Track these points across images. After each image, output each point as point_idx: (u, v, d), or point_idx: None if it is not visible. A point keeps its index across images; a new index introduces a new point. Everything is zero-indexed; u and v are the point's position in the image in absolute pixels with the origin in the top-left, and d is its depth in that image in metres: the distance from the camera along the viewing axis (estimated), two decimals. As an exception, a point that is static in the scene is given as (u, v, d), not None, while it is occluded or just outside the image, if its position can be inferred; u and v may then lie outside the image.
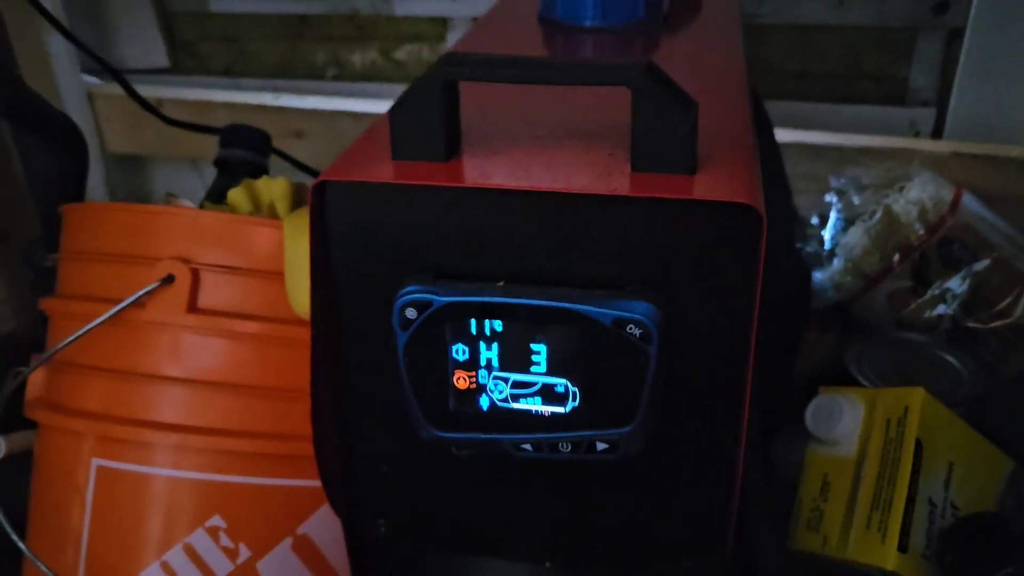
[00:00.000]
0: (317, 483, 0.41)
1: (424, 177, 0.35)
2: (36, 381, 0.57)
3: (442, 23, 1.12)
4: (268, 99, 1.09)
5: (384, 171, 0.36)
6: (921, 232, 0.77)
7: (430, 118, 0.35)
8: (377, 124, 0.40)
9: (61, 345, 0.53)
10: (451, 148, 0.36)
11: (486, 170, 0.36)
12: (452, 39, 1.11)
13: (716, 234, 0.33)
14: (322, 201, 0.36)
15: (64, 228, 0.59)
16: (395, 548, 0.43)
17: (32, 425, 0.58)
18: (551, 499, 0.40)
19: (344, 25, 1.14)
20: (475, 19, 1.08)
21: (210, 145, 0.76)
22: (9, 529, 0.54)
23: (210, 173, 0.76)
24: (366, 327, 0.38)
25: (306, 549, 0.54)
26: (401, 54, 1.14)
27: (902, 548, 0.50)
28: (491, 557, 0.42)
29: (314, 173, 0.87)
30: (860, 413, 0.57)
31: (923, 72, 1.02)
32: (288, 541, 0.54)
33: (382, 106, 1.08)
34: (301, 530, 0.54)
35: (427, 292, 0.35)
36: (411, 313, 0.35)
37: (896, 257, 0.77)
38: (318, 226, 0.36)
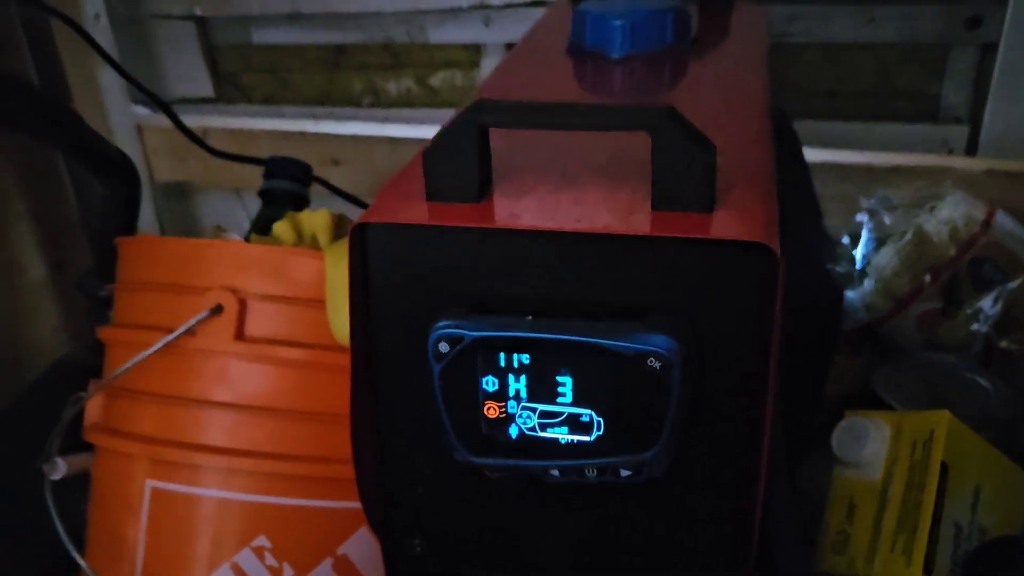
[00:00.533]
0: (357, 505, 0.43)
1: (457, 218, 0.37)
2: (94, 406, 0.61)
3: (476, 50, 1.14)
4: (308, 127, 1.12)
5: (419, 212, 0.38)
6: (952, 252, 0.77)
7: (462, 161, 0.38)
8: (411, 164, 0.42)
9: (118, 372, 0.57)
10: (482, 188, 0.38)
11: (515, 210, 0.38)
12: (486, 65, 1.13)
13: (733, 271, 0.35)
14: (362, 241, 0.38)
15: (119, 260, 0.63)
16: (430, 567, 0.45)
17: (90, 447, 0.61)
18: (579, 519, 0.42)
19: (380, 54, 1.18)
20: (508, 45, 1.10)
21: (254, 173, 0.79)
22: (69, 545, 0.57)
23: (253, 200, 0.79)
24: (402, 357, 0.40)
25: (346, 569, 0.56)
26: (436, 81, 1.17)
27: (927, 571, 0.51)
28: (522, 576, 0.44)
29: (352, 199, 0.90)
30: (886, 436, 0.58)
31: (955, 89, 1.02)
32: (329, 561, 0.56)
33: (417, 131, 1.11)
34: (341, 550, 0.56)
35: (458, 327, 0.37)
36: (444, 347, 0.37)
37: (927, 278, 0.77)
38: (357, 264, 0.39)
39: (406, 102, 1.19)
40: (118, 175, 0.76)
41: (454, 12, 1.10)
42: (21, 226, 0.96)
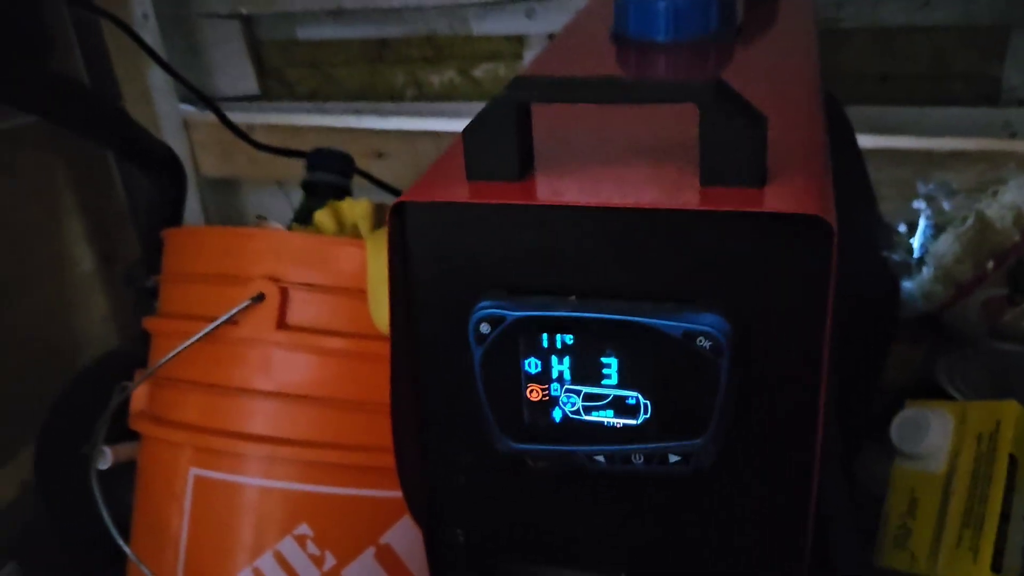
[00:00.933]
0: (399, 494, 0.42)
1: (498, 196, 0.36)
2: (140, 395, 0.61)
3: (518, 41, 1.13)
4: (351, 121, 1.12)
5: (459, 191, 0.37)
6: (1017, 238, 0.74)
7: (503, 139, 0.37)
8: (453, 146, 0.41)
9: (162, 361, 0.57)
10: (524, 167, 0.37)
11: (558, 187, 0.36)
12: (529, 57, 1.12)
13: (786, 246, 0.33)
14: (401, 221, 0.37)
15: (165, 251, 0.63)
16: (473, 557, 0.44)
17: (136, 436, 0.62)
18: (625, 510, 0.40)
19: (422, 46, 1.17)
20: (551, 36, 1.09)
21: (297, 167, 0.79)
22: (115, 533, 0.57)
23: (297, 194, 0.79)
24: (443, 341, 0.39)
25: (388, 557, 0.56)
26: (478, 72, 1.16)
27: (996, 568, 0.48)
28: (566, 567, 0.43)
29: (395, 192, 0.89)
30: (949, 427, 0.55)
31: (1017, 70, 0.98)
32: (371, 550, 0.56)
33: (461, 124, 1.09)
34: (384, 539, 0.56)
35: (500, 308, 0.36)
36: (485, 328, 0.36)
37: (990, 264, 0.74)
38: (397, 245, 0.38)
39: (449, 94, 1.18)
40: (165, 170, 0.77)
41: (496, 4, 1.10)
42: (71, 220, 0.98)
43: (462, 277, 0.38)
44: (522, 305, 0.35)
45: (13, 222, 0.91)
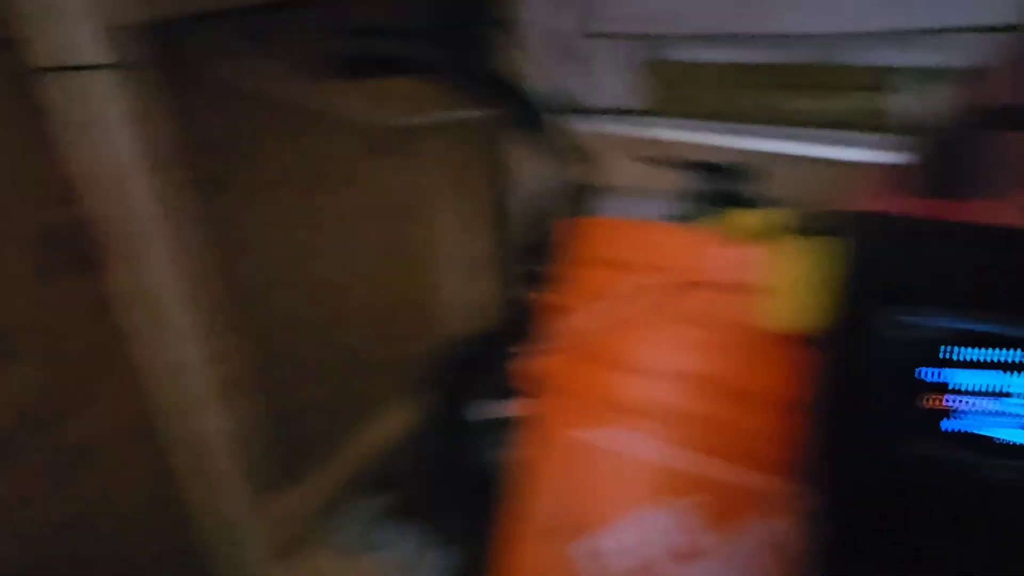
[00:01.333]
0: (787, 482, 0.44)
1: (945, 213, 0.38)
2: (530, 362, 0.69)
3: (883, 72, 1.11)
4: (719, 140, 1.17)
5: (911, 206, 0.39)
6: None
7: (955, 162, 0.38)
8: (894, 166, 0.44)
9: (552, 334, 0.65)
10: (975, 189, 0.39)
11: (1003, 211, 0.37)
12: (893, 88, 1.09)
13: None
14: (854, 228, 0.40)
15: (561, 239, 0.72)
16: (863, 553, 0.45)
17: (518, 396, 0.70)
18: None
19: (786, 73, 1.19)
20: (925, 68, 1.05)
21: (681, 179, 0.84)
22: (497, 481, 0.65)
23: (672, 202, 0.85)
24: (863, 342, 0.41)
25: (773, 544, 0.57)
26: (842, 102, 1.15)
27: None
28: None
29: (756, 206, 0.91)
30: None
31: None
32: (756, 533, 0.57)
33: (817, 150, 1.09)
34: (769, 525, 0.57)
35: (916, 317, 0.37)
36: (897, 335, 0.38)
37: None
38: (842, 249, 0.41)
39: (807, 121, 1.18)
40: (574, 165, 0.86)
41: (867, 35, 1.08)
42: (471, 207, 1.13)
43: (896, 282, 0.40)
44: (934, 316, 0.37)
45: (416, 204, 1.08)
